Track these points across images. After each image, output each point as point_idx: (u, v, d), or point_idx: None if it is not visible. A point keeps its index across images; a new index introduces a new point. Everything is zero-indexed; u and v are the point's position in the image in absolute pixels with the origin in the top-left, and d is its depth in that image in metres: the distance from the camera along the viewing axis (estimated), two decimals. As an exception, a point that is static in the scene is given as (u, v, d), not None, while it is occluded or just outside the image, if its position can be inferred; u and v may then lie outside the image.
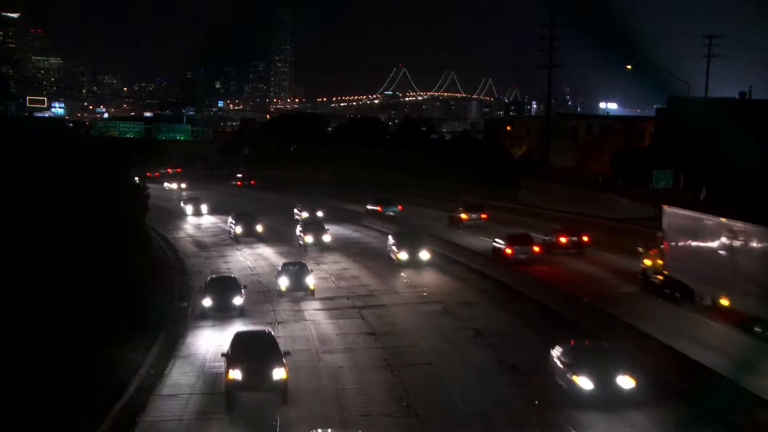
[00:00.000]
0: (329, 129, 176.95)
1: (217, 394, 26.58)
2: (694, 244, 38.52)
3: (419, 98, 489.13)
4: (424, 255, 49.48)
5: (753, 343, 29.76)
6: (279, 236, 64.70)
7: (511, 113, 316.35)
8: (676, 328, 32.26)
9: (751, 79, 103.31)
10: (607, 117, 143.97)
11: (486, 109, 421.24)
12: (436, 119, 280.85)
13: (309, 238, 57.07)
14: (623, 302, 37.72)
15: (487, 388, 27.26)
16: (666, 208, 42.29)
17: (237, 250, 59.84)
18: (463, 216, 66.36)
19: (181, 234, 70.44)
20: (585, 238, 52.92)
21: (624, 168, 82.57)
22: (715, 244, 36.23)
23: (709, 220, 37.38)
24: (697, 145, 67.47)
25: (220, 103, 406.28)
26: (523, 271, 45.71)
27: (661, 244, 41.00)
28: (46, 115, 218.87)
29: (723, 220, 35.93)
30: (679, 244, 39.65)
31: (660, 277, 39.65)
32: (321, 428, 21.60)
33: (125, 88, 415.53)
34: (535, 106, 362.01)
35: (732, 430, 22.24)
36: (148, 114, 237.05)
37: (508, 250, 49.85)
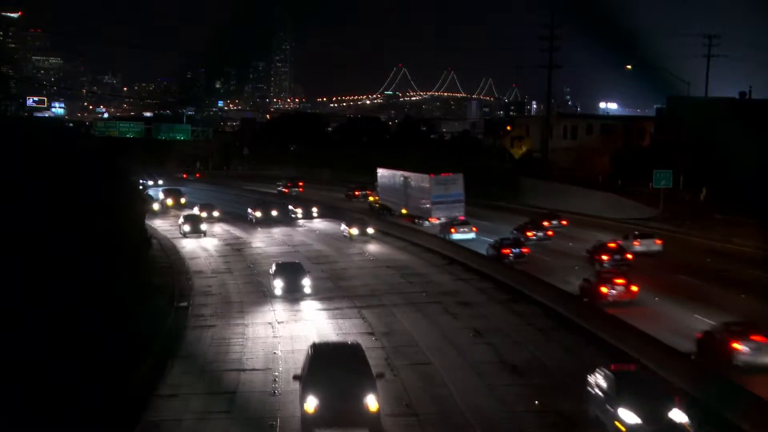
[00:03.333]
0: (329, 129, 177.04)
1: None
2: (390, 185, 78.84)
3: (419, 98, 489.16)
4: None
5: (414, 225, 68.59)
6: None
7: (511, 113, 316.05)
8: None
9: (751, 79, 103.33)
10: (607, 117, 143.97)
11: (486, 109, 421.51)
12: (436, 119, 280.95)
13: None
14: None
15: (486, 386, 27.27)
16: (378, 169, 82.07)
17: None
18: (285, 190, 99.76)
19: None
20: (300, 184, 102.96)
21: (624, 168, 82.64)
22: (398, 184, 75.93)
23: (395, 172, 76.97)
24: (697, 145, 67.57)
25: (220, 103, 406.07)
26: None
27: (376, 189, 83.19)
28: (46, 115, 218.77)
29: (401, 171, 75.31)
30: (384, 187, 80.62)
31: (377, 205, 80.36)
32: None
33: (125, 88, 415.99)
34: (535, 106, 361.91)
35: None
36: (148, 114, 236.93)
37: (285, 191, 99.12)
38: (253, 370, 29.82)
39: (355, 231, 61.73)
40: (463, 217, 65.69)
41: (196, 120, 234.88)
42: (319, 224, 73.37)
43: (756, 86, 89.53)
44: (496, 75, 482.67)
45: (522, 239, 54.64)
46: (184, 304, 41.25)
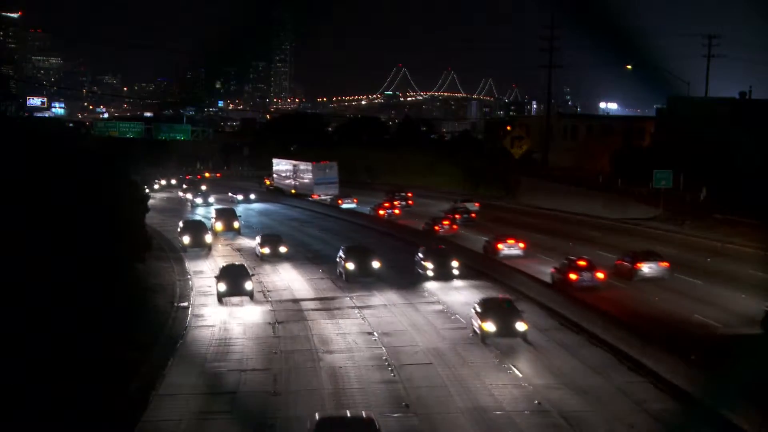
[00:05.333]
0: (329, 129, 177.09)
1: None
2: (283, 171, 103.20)
3: (419, 98, 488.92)
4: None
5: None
6: None
7: (511, 113, 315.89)
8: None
9: (751, 79, 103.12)
10: (607, 117, 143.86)
11: (486, 109, 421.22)
12: (436, 119, 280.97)
13: None
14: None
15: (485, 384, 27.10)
16: (273, 159, 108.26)
17: None
18: (187, 176, 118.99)
19: None
20: (218, 175, 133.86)
21: (624, 168, 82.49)
22: (289, 170, 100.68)
23: (286, 160, 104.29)
24: (697, 145, 67.42)
25: (220, 103, 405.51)
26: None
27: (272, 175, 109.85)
28: (47, 115, 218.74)
29: (292, 160, 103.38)
30: (279, 172, 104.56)
31: (271, 187, 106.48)
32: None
33: (125, 88, 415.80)
34: (535, 106, 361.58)
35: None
36: (148, 114, 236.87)
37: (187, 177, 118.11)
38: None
39: (490, 327, 32.04)
40: (337, 193, 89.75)
41: (196, 120, 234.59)
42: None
43: (756, 86, 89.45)
44: (496, 75, 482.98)
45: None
46: (185, 304, 41.29)
